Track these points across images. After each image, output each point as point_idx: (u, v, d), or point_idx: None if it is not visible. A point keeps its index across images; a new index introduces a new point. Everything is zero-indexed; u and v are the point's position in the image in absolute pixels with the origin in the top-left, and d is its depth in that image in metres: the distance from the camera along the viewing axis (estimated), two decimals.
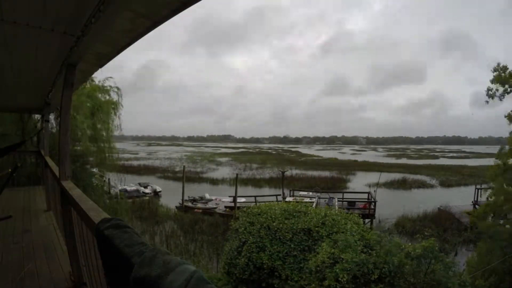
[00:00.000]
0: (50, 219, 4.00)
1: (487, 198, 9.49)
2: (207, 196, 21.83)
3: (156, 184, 27.70)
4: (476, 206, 16.23)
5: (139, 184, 26.37)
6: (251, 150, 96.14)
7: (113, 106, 11.08)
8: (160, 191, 25.55)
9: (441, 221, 16.52)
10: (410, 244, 5.87)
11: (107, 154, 11.18)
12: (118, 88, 11.24)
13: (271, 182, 30.81)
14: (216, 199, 21.20)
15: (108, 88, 11.06)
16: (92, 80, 10.42)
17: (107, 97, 11.05)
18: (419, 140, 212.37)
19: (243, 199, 18.58)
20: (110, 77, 11.02)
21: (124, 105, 11.34)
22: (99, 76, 10.73)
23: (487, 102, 9.51)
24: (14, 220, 3.68)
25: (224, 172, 38.96)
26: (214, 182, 32.20)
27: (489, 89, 9.45)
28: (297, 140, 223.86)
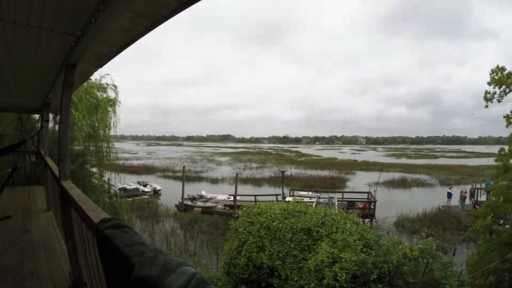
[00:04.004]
0: (50, 219, 4.00)
1: (481, 198, 9.54)
2: (203, 192, 21.86)
3: (156, 183, 27.71)
4: (476, 206, 16.25)
5: (139, 183, 26.34)
6: (251, 150, 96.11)
7: (110, 103, 11.06)
8: (159, 190, 25.56)
9: (441, 220, 16.57)
10: (407, 244, 5.87)
11: (104, 154, 11.14)
12: (115, 86, 11.25)
13: (271, 181, 30.79)
14: (212, 198, 21.23)
15: (105, 85, 11.05)
16: (89, 79, 10.38)
17: (104, 95, 11.04)
18: (418, 140, 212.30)
19: (237, 197, 18.67)
20: (107, 74, 11.02)
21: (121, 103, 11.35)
22: (97, 73, 10.71)
23: (487, 106, 9.46)
24: (14, 220, 3.68)
25: (224, 171, 38.98)
26: (214, 181, 32.21)
27: (487, 92, 9.41)
28: (297, 140, 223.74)
